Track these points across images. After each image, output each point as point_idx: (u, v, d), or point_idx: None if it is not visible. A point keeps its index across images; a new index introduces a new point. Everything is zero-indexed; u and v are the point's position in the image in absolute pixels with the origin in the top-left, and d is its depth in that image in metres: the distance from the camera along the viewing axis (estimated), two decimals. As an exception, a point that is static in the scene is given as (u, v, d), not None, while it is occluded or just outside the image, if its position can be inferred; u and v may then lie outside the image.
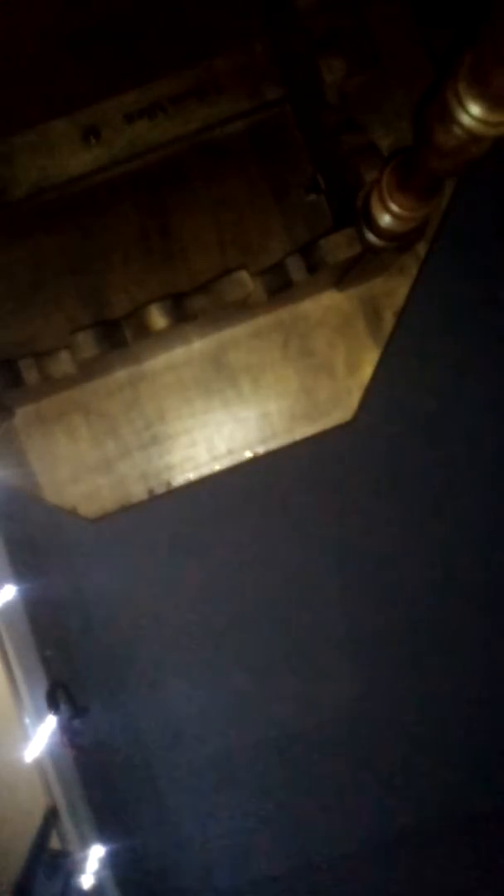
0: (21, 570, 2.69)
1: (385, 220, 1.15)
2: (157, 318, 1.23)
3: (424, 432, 2.86)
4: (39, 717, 2.51)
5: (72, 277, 1.51)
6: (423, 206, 1.11)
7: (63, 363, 1.25)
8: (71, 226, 1.52)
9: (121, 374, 1.52)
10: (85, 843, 2.62)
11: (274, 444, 1.56)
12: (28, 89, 1.45)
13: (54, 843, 2.47)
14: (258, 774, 2.90)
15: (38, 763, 2.47)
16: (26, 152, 1.45)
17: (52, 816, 2.47)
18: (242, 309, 1.34)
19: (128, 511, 1.53)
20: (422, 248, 1.49)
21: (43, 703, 2.57)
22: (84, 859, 2.56)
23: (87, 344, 1.23)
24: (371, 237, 1.21)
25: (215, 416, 1.54)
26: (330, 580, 2.88)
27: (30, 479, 1.49)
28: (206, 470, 1.54)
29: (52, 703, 2.58)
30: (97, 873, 2.59)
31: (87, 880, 2.49)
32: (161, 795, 2.88)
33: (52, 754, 2.54)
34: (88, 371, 1.38)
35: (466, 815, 2.88)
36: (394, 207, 1.12)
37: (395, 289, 1.53)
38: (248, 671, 2.87)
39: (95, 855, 2.65)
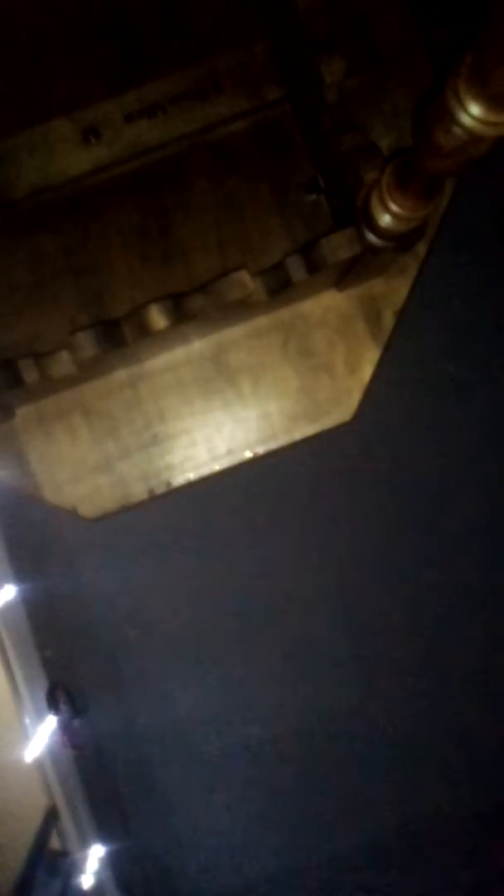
0: (21, 570, 2.69)
1: (385, 220, 1.15)
2: (157, 319, 1.23)
3: (424, 432, 2.86)
4: (39, 717, 2.51)
5: (72, 277, 1.51)
6: (423, 206, 1.11)
7: (63, 363, 1.25)
8: (71, 226, 1.52)
9: (121, 374, 1.51)
10: (85, 843, 2.62)
11: (274, 444, 1.56)
12: (28, 89, 1.45)
13: (54, 843, 2.47)
14: (258, 774, 2.90)
15: (38, 763, 2.47)
16: (26, 152, 1.45)
17: (52, 816, 2.47)
18: (242, 309, 1.34)
19: (128, 511, 1.53)
20: (422, 248, 1.49)
21: (43, 703, 2.57)
22: (84, 859, 2.56)
23: (87, 344, 1.23)
24: (371, 237, 1.21)
25: (215, 416, 1.54)
26: (330, 580, 2.88)
27: (30, 479, 1.49)
28: (206, 470, 1.54)
29: (52, 703, 2.58)
30: (97, 873, 2.59)
31: (87, 880, 2.49)
32: (161, 795, 2.88)
33: (52, 754, 2.54)
34: (88, 371, 1.38)
35: (466, 816, 2.88)
36: (394, 207, 1.12)
37: (395, 289, 1.53)
38: (247, 671, 2.87)
39: (95, 855, 2.65)
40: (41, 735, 2.47)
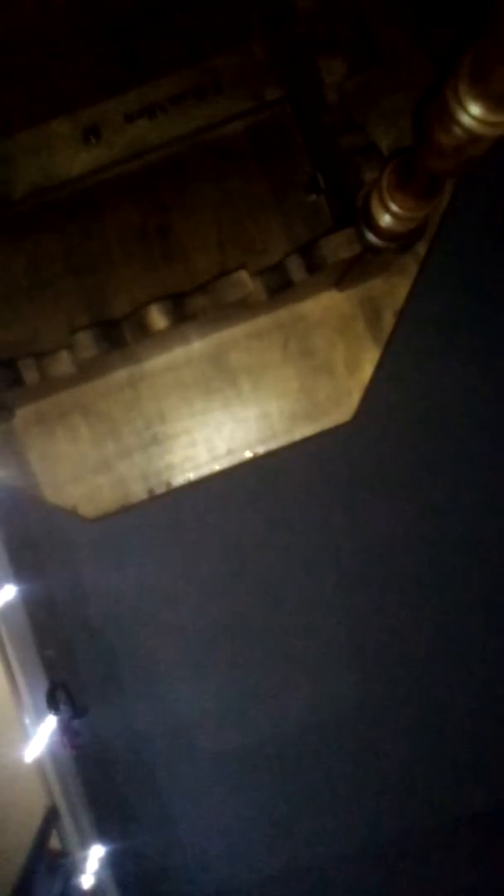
0: (21, 570, 2.69)
1: (385, 220, 1.15)
2: (157, 318, 1.23)
3: (424, 432, 2.86)
4: (39, 717, 2.51)
5: (72, 277, 1.51)
6: (423, 206, 1.11)
7: (63, 363, 1.25)
8: (71, 226, 1.52)
9: (121, 374, 1.51)
10: (85, 843, 2.62)
11: (274, 444, 1.55)
12: (28, 89, 1.45)
13: (54, 843, 2.47)
14: (258, 774, 2.90)
15: (38, 763, 2.47)
16: (26, 152, 1.45)
17: (52, 816, 2.47)
18: (242, 309, 1.34)
19: (128, 511, 1.53)
20: (422, 248, 1.49)
21: (43, 703, 2.57)
22: (84, 859, 2.57)
23: (87, 344, 1.23)
24: (371, 237, 1.21)
25: (215, 416, 1.54)
26: (330, 580, 2.88)
27: (30, 479, 1.49)
28: (206, 470, 1.54)
29: (52, 703, 2.58)
30: (97, 873, 2.59)
31: (87, 880, 2.49)
32: (161, 795, 2.88)
33: (52, 754, 2.54)
34: (88, 371, 1.38)
35: (466, 815, 2.88)
36: (394, 207, 1.12)
37: (395, 289, 1.53)
38: (248, 671, 2.87)
39: (95, 855, 2.65)
40: (41, 735, 2.46)
